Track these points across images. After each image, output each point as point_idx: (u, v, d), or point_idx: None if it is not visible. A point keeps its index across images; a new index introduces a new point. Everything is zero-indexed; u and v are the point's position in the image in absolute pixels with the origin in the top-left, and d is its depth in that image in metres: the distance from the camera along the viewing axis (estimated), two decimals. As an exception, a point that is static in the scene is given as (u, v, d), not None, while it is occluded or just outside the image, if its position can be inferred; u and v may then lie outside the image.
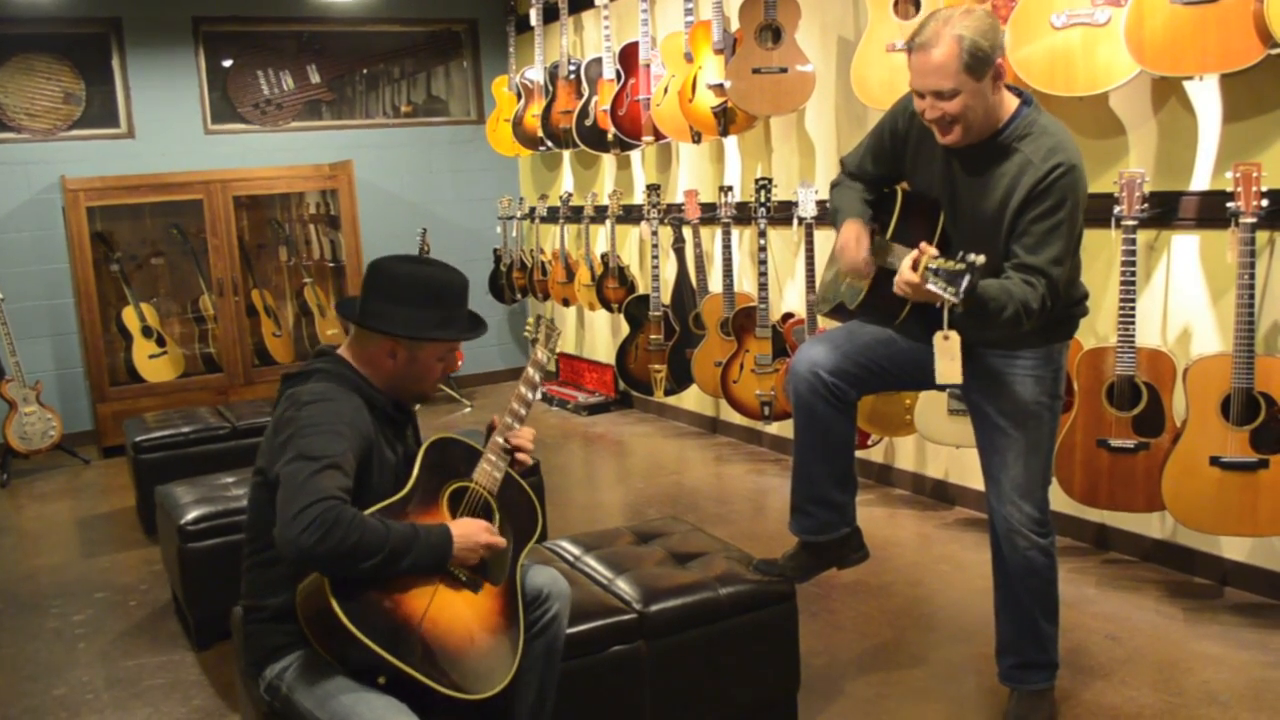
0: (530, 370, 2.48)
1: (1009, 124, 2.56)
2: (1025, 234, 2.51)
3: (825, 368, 2.75)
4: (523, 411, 2.42)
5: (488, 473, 2.33)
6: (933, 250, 2.42)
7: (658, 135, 5.59)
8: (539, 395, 2.48)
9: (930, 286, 2.36)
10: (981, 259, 2.33)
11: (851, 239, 2.70)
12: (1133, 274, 3.42)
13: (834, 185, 2.92)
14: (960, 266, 2.33)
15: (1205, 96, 3.54)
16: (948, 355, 2.54)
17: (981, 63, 2.43)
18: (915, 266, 2.41)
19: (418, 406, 2.55)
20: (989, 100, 2.49)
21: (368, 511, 2.08)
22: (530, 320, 2.55)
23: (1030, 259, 2.50)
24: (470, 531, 2.18)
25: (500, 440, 2.37)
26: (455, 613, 2.15)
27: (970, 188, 2.61)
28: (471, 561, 2.19)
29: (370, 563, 2.01)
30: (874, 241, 2.73)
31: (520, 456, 2.41)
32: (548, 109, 6.41)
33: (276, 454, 2.13)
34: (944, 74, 2.44)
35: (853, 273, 2.72)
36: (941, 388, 2.92)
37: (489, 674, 2.14)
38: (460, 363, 2.48)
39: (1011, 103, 2.58)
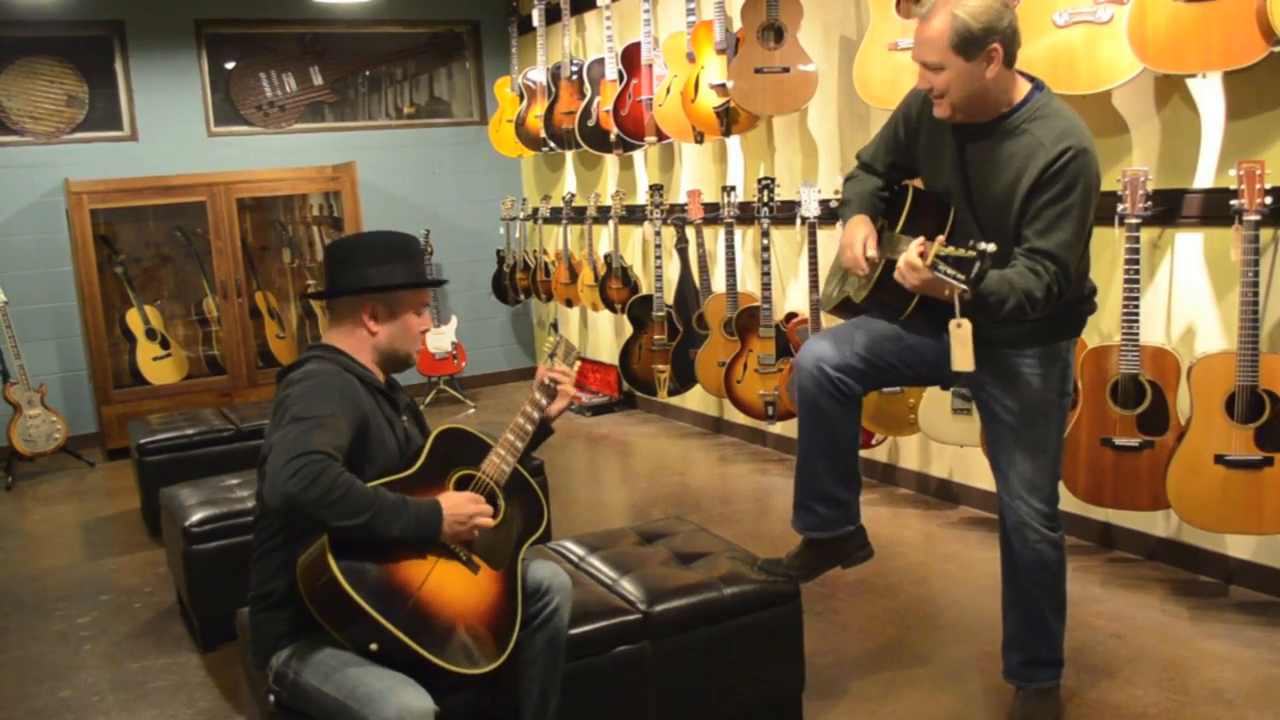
0: (544, 378, 2.54)
1: (1020, 106, 2.56)
2: (1036, 218, 2.50)
3: (830, 362, 2.74)
4: (535, 414, 2.48)
5: (496, 465, 2.37)
6: (941, 240, 2.43)
7: (660, 135, 5.59)
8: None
9: (940, 274, 2.36)
10: (993, 247, 2.34)
11: (857, 239, 2.68)
12: (1136, 272, 3.42)
13: (848, 178, 2.92)
14: (971, 254, 2.34)
15: (1208, 94, 3.54)
16: (960, 343, 2.54)
17: (970, 44, 2.44)
18: (924, 256, 2.41)
19: (423, 406, 2.59)
20: (982, 82, 2.49)
21: (371, 484, 2.14)
22: (551, 338, 2.61)
23: (1040, 243, 2.49)
24: (458, 503, 2.23)
25: (512, 437, 2.41)
26: (452, 589, 2.19)
27: (981, 170, 2.61)
28: (464, 534, 2.23)
29: (356, 520, 2.06)
30: (883, 236, 2.73)
31: (561, 389, 2.51)
32: (550, 110, 6.41)
33: (272, 430, 2.20)
34: (932, 48, 2.49)
35: (854, 271, 2.72)
36: (954, 380, 2.92)
37: (480, 654, 2.17)
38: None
39: (1023, 86, 2.58)
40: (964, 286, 2.35)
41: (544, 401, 2.48)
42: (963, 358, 2.55)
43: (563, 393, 2.52)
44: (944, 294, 2.47)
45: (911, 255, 2.44)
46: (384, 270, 2.37)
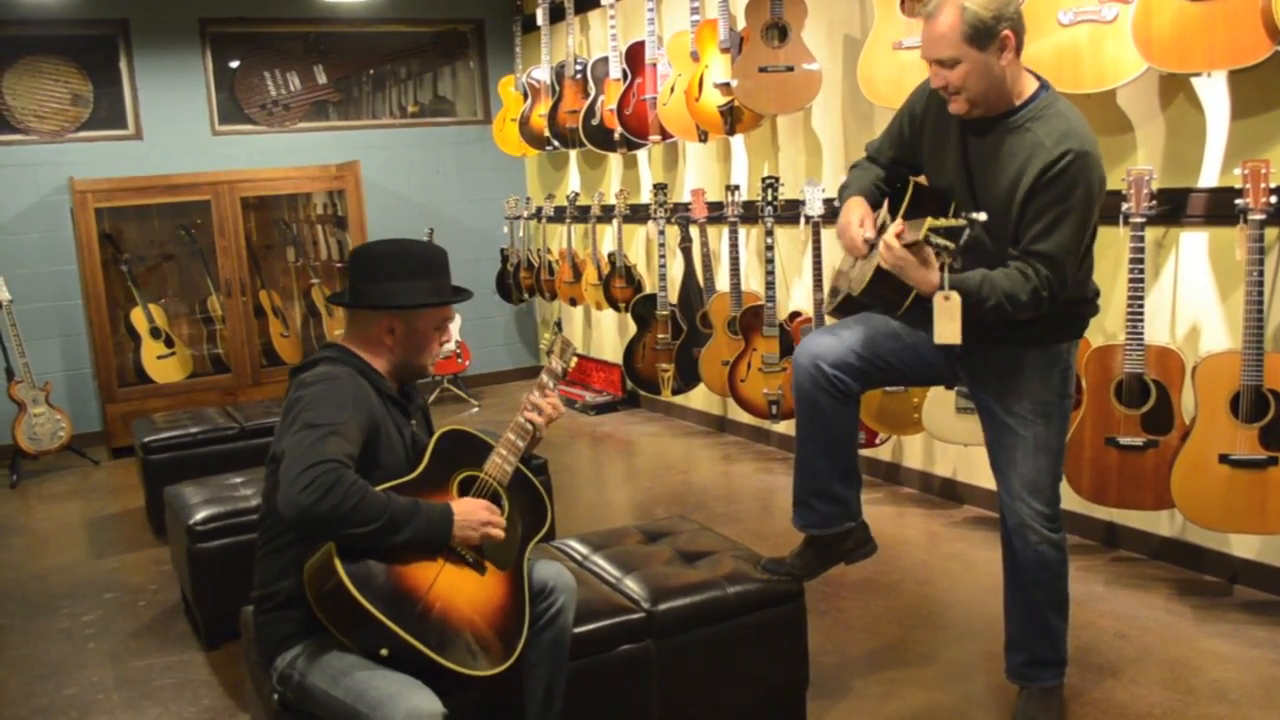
0: (544, 377, 2.55)
1: (1025, 105, 2.56)
2: (1034, 220, 2.50)
3: (826, 360, 2.74)
4: (535, 416, 2.48)
5: (498, 465, 2.37)
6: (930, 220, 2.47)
7: (664, 134, 5.59)
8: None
9: (931, 244, 2.40)
10: (982, 216, 2.37)
11: (853, 220, 2.69)
12: (1141, 271, 3.42)
13: (852, 167, 2.93)
14: (961, 223, 2.37)
15: (1213, 93, 3.53)
16: (947, 315, 2.53)
17: (983, 33, 2.45)
18: (901, 236, 2.45)
19: (430, 400, 2.59)
20: (996, 72, 2.50)
21: (380, 488, 2.14)
22: (548, 334, 2.63)
23: (1035, 245, 2.50)
24: (471, 509, 2.23)
25: (513, 436, 2.41)
26: (460, 592, 2.19)
27: (984, 167, 2.61)
28: (473, 540, 2.23)
29: (369, 528, 2.06)
30: (883, 228, 2.73)
31: (538, 414, 2.47)
32: (554, 109, 6.41)
33: (284, 432, 2.19)
34: (945, 43, 2.48)
35: (851, 251, 2.72)
36: (955, 380, 2.91)
37: (489, 655, 2.16)
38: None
39: (1030, 84, 2.59)
40: (952, 252, 2.38)
41: (528, 435, 2.45)
42: (947, 330, 2.54)
43: (539, 427, 2.47)
44: (933, 266, 2.49)
45: (888, 235, 2.47)
46: (408, 287, 2.36)
